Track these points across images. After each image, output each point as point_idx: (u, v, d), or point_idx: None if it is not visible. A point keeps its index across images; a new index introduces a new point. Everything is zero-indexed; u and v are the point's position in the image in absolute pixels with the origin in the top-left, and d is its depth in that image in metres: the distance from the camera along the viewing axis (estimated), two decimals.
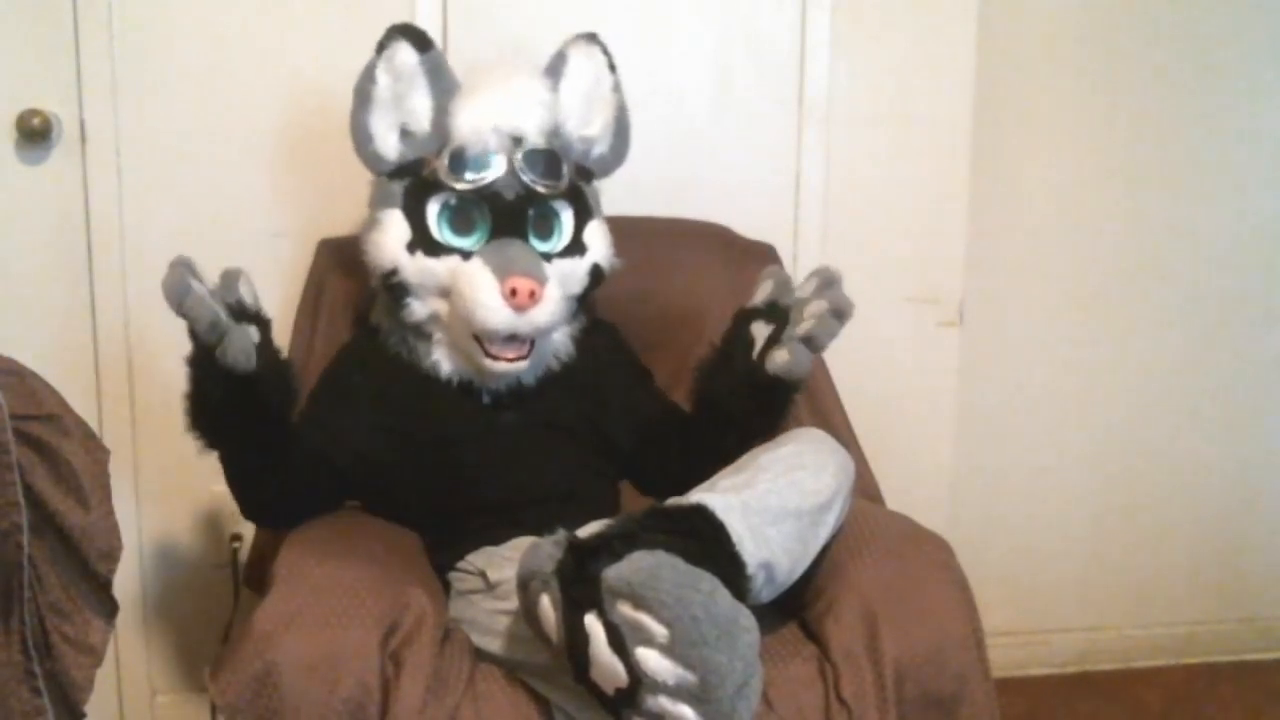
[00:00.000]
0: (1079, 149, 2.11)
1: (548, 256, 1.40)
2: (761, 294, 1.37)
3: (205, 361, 1.19)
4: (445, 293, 1.37)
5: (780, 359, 1.28)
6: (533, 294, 1.31)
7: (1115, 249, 2.16)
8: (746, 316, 1.37)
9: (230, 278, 1.24)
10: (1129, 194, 2.15)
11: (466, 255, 1.36)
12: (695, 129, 1.84)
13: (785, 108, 1.86)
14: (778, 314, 1.34)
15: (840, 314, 1.27)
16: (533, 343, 1.37)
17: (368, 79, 1.41)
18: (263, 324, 1.26)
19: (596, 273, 1.46)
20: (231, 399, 1.22)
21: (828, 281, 1.31)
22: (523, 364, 1.37)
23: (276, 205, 1.73)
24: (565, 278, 1.41)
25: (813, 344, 1.27)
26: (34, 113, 1.64)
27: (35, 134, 1.65)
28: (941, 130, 1.90)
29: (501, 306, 1.31)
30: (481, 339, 1.35)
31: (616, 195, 1.56)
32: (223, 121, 1.70)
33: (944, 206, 1.93)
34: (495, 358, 1.35)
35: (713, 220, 1.78)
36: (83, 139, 1.67)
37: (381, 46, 1.41)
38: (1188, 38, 2.12)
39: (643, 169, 1.57)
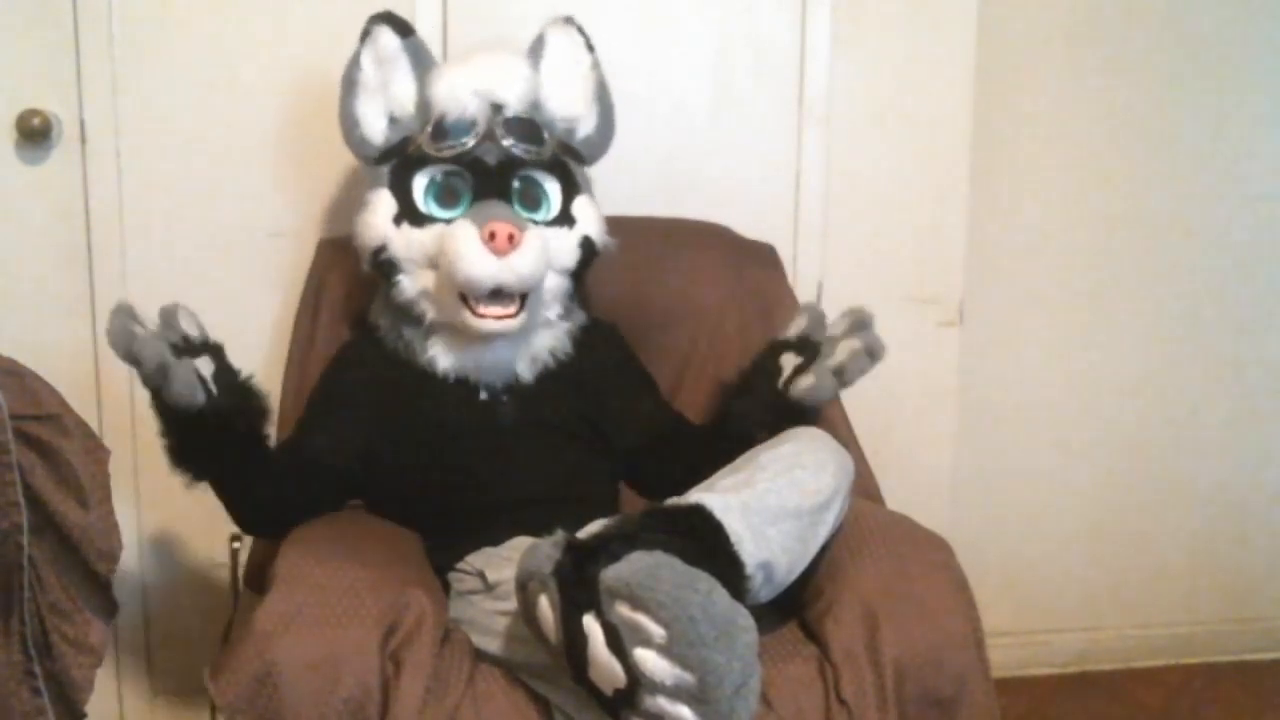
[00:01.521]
0: (1079, 149, 2.11)
1: (535, 225, 1.40)
2: (795, 328, 1.42)
3: (160, 403, 1.22)
4: (433, 264, 1.38)
5: (806, 383, 1.33)
6: (511, 237, 1.32)
7: (1115, 249, 2.16)
8: (778, 348, 1.42)
9: (168, 315, 1.28)
10: (1129, 194, 2.15)
11: (450, 224, 1.38)
12: (695, 129, 1.84)
13: (785, 108, 1.86)
14: (808, 348, 1.38)
15: (873, 354, 1.33)
16: (522, 300, 1.37)
17: (354, 66, 1.46)
18: (214, 351, 1.29)
19: (588, 245, 1.46)
20: (194, 434, 1.25)
21: (861, 323, 1.36)
22: (511, 323, 1.36)
23: (276, 205, 1.73)
24: (555, 249, 1.41)
25: (842, 376, 1.33)
26: (34, 113, 1.64)
27: (35, 134, 1.65)
28: (941, 130, 1.90)
29: (483, 253, 1.32)
30: (468, 297, 1.35)
31: (617, 195, 1.56)
32: (223, 121, 1.70)
33: (944, 206, 1.92)
34: (482, 316, 1.35)
35: (713, 220, 1.78)
36: (83, 139, 1.67)
37: (365, 34, 1.46)
38: (1187, 37, 2.12)
39: (643, 169, 1.57)
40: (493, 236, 1.31)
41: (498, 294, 1.35)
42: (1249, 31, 2.14)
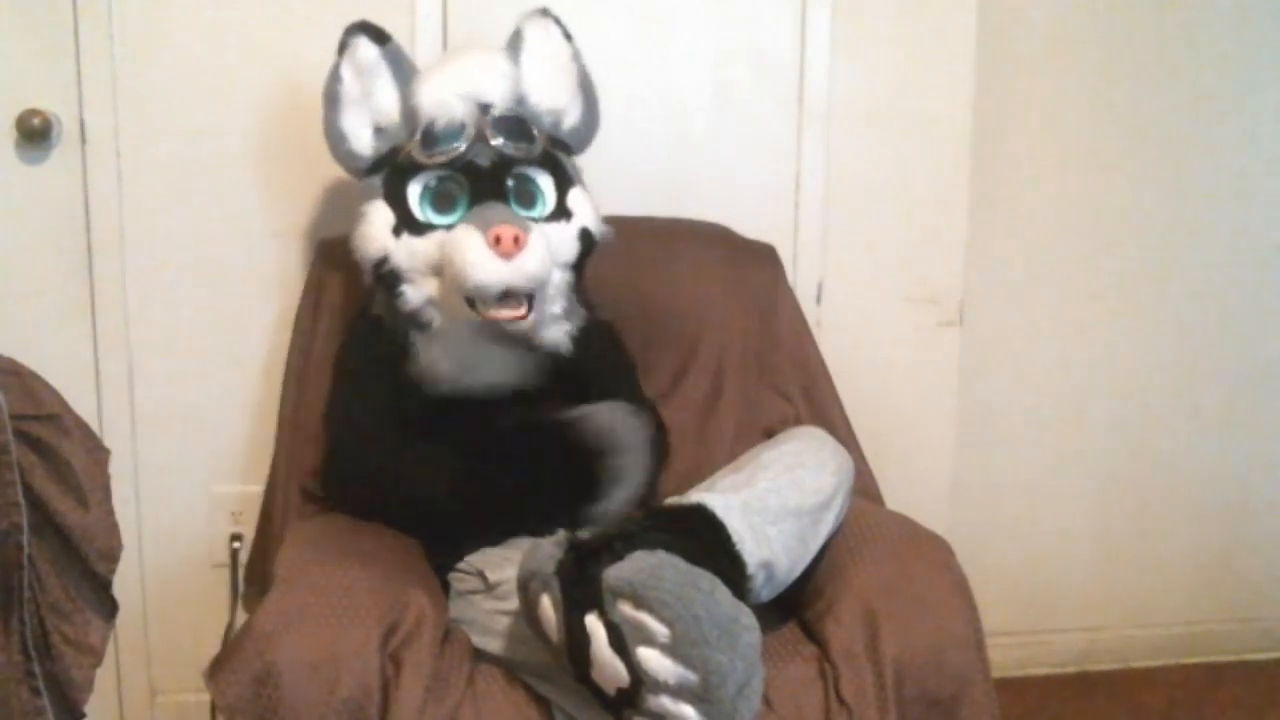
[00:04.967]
0: (1079, 149, 2.11)
1: (534, 223, 1.40)
2: None
3: None
4: (436, 271, 1.38)
5: None
6: (517, 239, 1.32)
7: (1115, 249, 2.16)
8: None
9: None
10: (1129, 194, 2.15)
11: (451, 230, 1.38)
12: (695, 129, 1.84)
13: (785, 108, 1.86)
14: None
15: None
16: (530, 300, 1.37)
17: (334, 80, 1.45)
18: None
19: (587, 237, 1.46)
20: None
21: None
22: (523, 322, 1.37)
23: (276, 205, 1.72)
24: (555, 244, 1.41)
25: None
26: (34, 113, 1.64)
27: (35, 134, 1.64)
28: (941, 130, 1.90)
29: (489, 258, 1.32)
30: (477, 303, 1.36)
31: (617, 195, 1.56)
32: (222, 121, 1.70)
33: (944, 206, 1.92)
34: (493, 319, 1.36)
35: (713, 220, 1.78)
36: (83, 139, 1.67)
37: (342, 46, 1.45)
38: (1187, 37, 2.12)
39: (643, 169, 1.57)
40: (498, 241, 1.31)
41: (506, 296, 1.35)
42: (1249, 30, 2.14)
